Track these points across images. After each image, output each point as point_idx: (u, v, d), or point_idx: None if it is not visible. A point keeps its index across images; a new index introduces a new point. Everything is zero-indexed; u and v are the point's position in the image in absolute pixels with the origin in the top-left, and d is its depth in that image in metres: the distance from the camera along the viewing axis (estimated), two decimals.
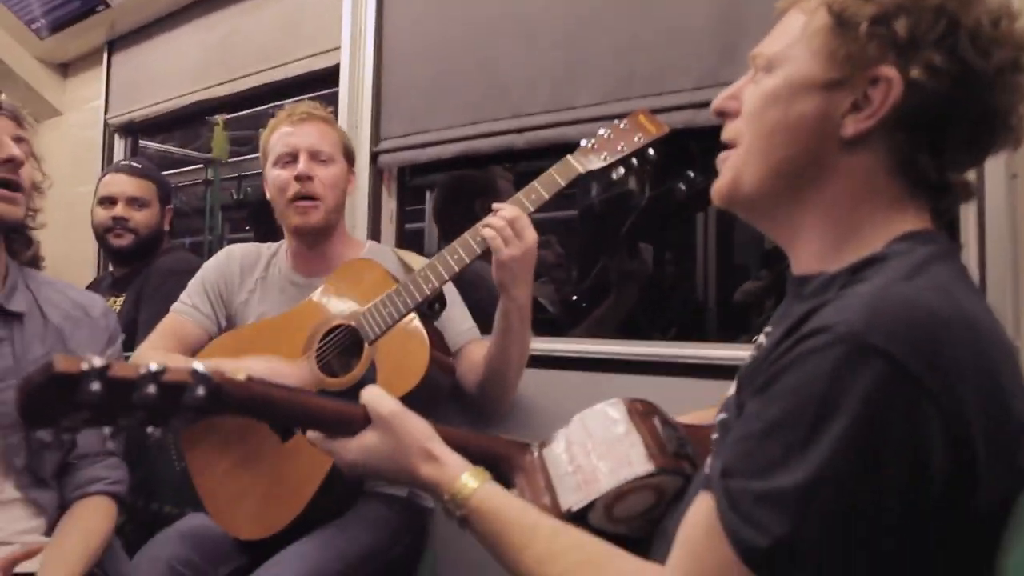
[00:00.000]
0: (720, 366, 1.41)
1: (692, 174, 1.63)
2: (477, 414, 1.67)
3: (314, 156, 1.57)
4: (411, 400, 1.35)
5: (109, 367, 0.67)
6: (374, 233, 2.03)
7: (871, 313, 0.58)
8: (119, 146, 2.97)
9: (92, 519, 1.31)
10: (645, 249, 1.99)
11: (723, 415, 0.76)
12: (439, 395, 1.52)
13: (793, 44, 0.73)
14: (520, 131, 1.72)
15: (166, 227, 2.29)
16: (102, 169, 2.99)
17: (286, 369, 1.42)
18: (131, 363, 0.71)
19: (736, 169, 0.76)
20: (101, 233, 2.22)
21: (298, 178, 1.55)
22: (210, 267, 1.71)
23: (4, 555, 1.12)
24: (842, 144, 0.70)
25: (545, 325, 2.11)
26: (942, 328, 0.58)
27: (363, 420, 0.87)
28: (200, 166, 4.69)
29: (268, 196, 1.64)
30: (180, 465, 1.72)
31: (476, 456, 0.92)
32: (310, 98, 2.27)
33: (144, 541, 1.66)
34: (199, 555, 1.39)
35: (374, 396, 0.88)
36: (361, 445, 0.86)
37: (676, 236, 2.11)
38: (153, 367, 0.70)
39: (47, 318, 1.33)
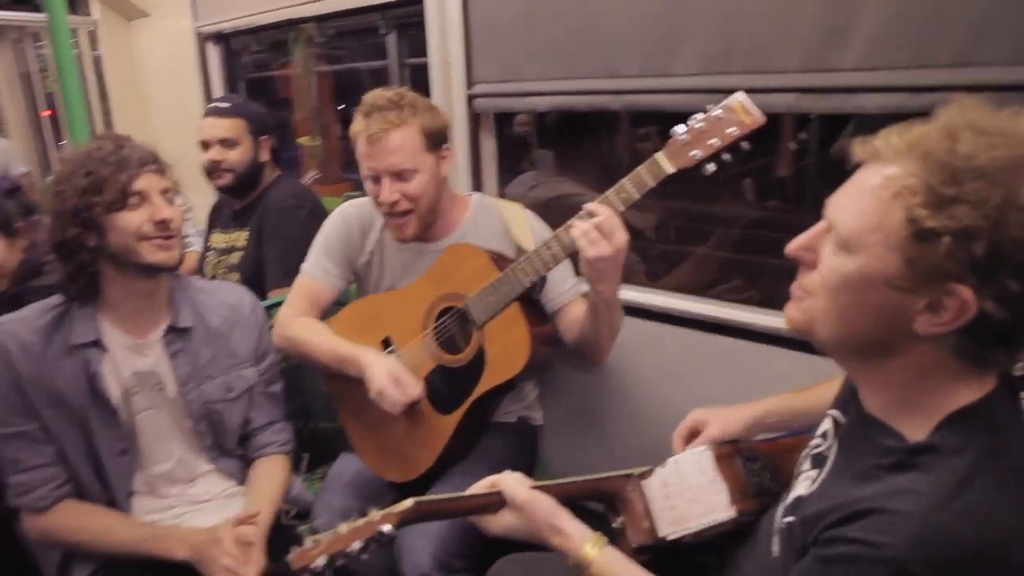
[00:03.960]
0: None
1: (805, 136, 1.65)
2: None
3: (397, 176, 1.69)
4: (521, 374, 1.63)
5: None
6: (475, 173, 2.19)
7: (915, 544, 0.74)
8: (212, 52, 3.13)
9: (273, 475, 1.69)
10: (747, 186, 2.05)
11: (791, 518, 0.96)
12: (545, 362, 1.80)
13: (871, 231, 0.79)
14: (616, 93, 1.78)
15: (264, 158, 2.49)
16: (200, 76, 3.20)
17: (406, 372, 1.68)
18: (341, 537, 1.05)
19: (810, 315, 0.89)
20: (206, 175, 2.48)
21: (383, 203, 1.71)
22: (331, 230, 1.93)
23: (232, 517, 1.49)
24: (912, 335, 0.80)
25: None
26: (975, 560, 0.73)
27: (501, 503, 1.15)
28: None
29: None
30: (325, 387, 2.08)
31: (592, 496, 1.24)
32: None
33: (311, 457, 2.09)
34: (362, 501, 1.75)
35: (511, 486, 1.15)
36: (501, 524, 1.16)
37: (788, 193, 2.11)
38: (357, 544, 1.08)
39: (209, 324, 1.63)
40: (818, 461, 0.99)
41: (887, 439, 0.86)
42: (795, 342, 1.61)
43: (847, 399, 0.99)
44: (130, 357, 1.55)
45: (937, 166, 0.75)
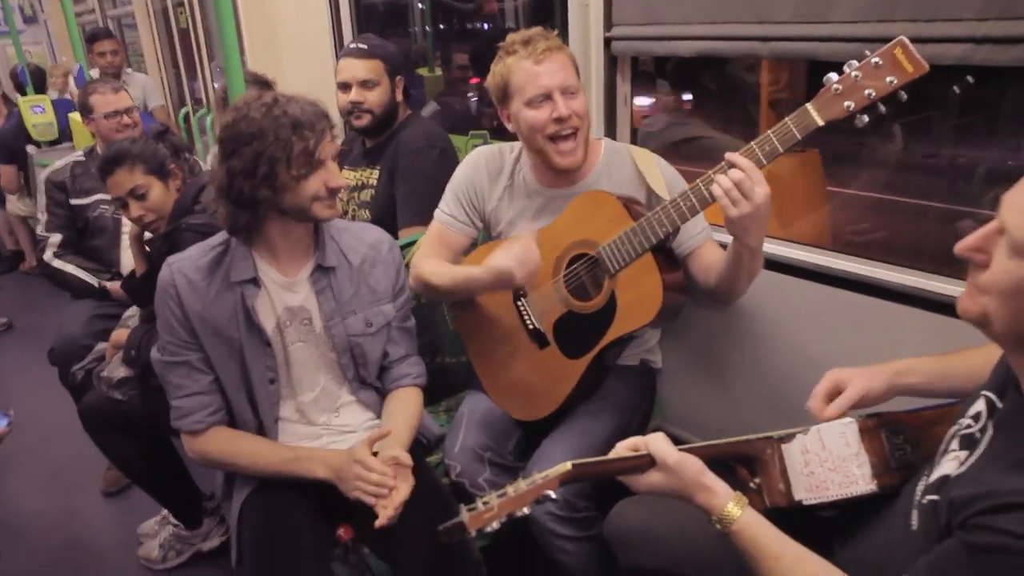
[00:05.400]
0: None
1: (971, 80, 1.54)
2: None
3: (565, 91, 1.73)
4: (651, 323, 1.66)
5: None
6: (609, 115, 2.19)
7: None
8: None
9: (408, 404, 1.81)
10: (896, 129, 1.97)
11: (935, 496, 0.97)
12: (676, 309, 1.83)
13: None
14: (764, 39, 1.72)
15: (399, 98, 2.57)
16: (329, 12, 3.30)
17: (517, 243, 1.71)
18: (510, 500, 1.13)
19: (986, 310, 0.88)
20: (344, 116, 2.56)
21: (559, 119, 1.73)
22: (460, 177, 2.01)
23: (367, 436, 1.62)
24: None
25: None
26: None
27: (650, 463, 1.21)
28: None
29: (513, 130, 1.84)
30: (453, 326, 2.21)
31: (732, 458, 1.29)
32: None
33: (435, 389, 2.16)
34: (491, 439, 1.88)
35: (661, 448, 1.19)
36: (649, 482, 1.21)
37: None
38: (525, 511, 1.16)
39: (351, 263, 1.74)
40: (968, 443, 0.98)
41: None
42: (934, 303, 1.58)
43: (1004, 382, 0.98)
44: (282, 293, 1.68)
45: None
